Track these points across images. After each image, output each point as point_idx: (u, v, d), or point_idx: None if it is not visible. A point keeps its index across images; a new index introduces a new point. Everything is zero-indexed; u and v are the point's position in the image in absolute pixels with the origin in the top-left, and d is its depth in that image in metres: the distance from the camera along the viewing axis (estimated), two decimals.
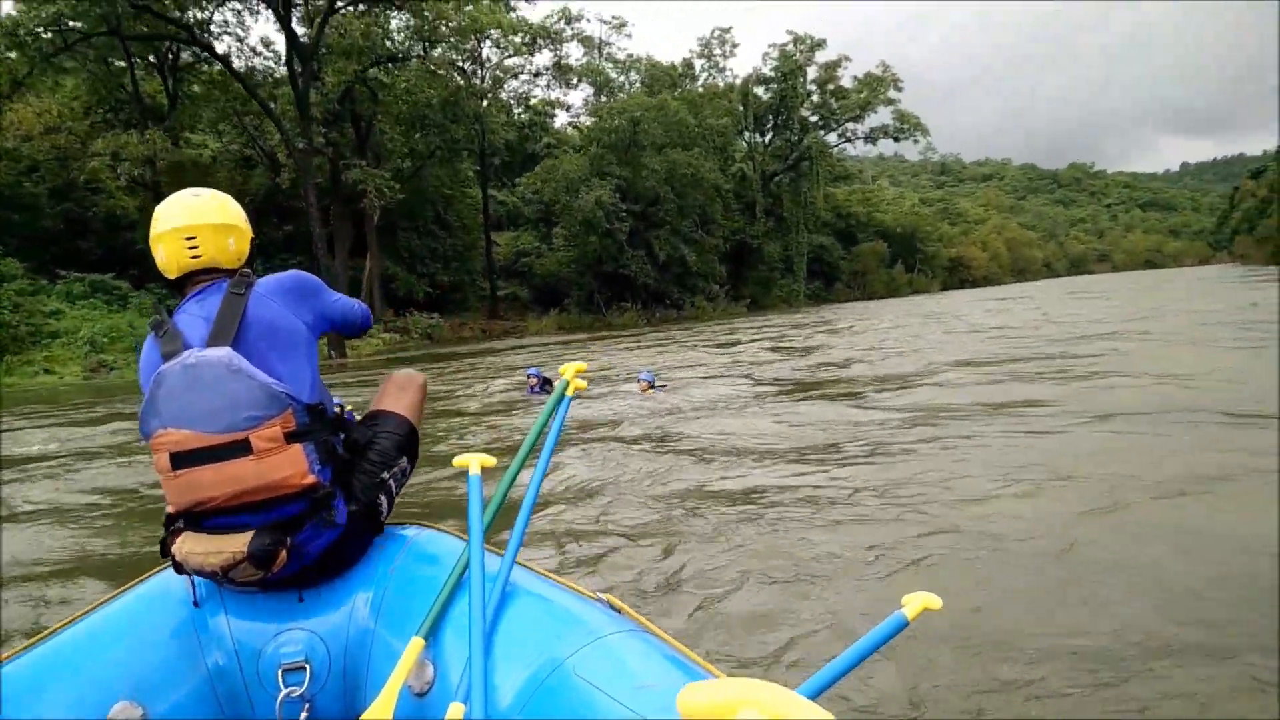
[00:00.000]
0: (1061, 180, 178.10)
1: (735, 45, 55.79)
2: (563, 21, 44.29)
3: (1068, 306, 27.22)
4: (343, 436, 2.03)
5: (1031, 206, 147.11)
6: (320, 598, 1.94)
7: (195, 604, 1.88)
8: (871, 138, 58.73)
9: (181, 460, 1.77)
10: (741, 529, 4.59)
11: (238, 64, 35.71)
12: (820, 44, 56.57)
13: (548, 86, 47.28)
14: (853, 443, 6.93)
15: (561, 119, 55.14)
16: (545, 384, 12.48)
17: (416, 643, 1.65)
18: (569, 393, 2.31)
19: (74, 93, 35.21)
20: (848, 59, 57.75)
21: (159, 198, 24.78)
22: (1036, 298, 37.43)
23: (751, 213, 55.63)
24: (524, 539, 1.92)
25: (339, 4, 31.45)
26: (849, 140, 60.24)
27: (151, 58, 35.21)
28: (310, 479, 1.84)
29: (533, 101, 51.11)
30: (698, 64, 55.74)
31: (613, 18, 52.09)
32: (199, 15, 31.02)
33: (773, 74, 56.71)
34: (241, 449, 1.77)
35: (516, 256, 47.81)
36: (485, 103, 43.73)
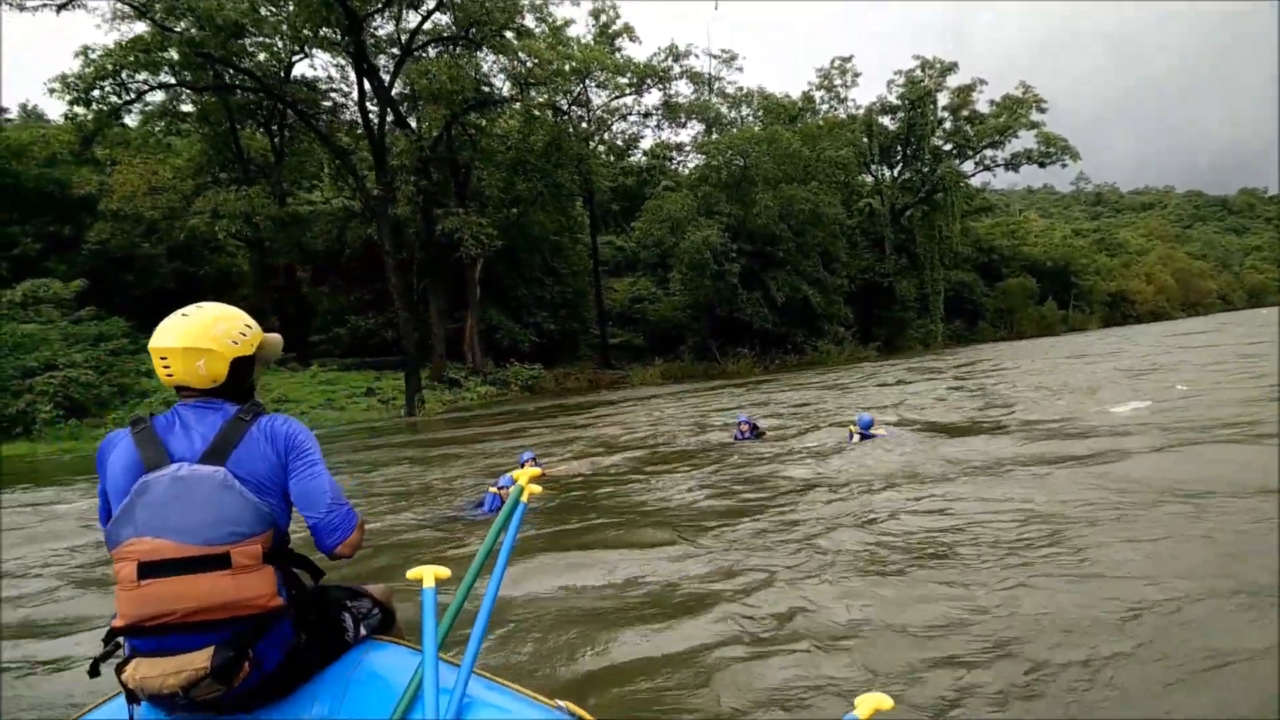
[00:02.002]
0: (1232, 207, 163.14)
1: (857, 75, 52.74)
2: (670, 59, 42.56)
3: None
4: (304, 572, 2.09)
5: (1200, 235, 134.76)
6: (274, 718, 1.89)
7: None
8: (1013, 164, 54.05)
9: (150, 570, 1.81)
10: (696, 620, 4.46)
11: (345, 119, 35.62)
12: (951, 68, 52.69)
13: (658, 126, 45.55)
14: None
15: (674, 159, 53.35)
16: (755, 430, 11.98)
17: None
18: (524, 499, 2.37)
19: (188, 154, 35.93)
20: (983, 82, 53.62)
21: (264, 253, 24.65)
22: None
23: (881, 250, 51.89)
24: (481, 647, 1.92)
25: (415, 47, 30.61)
26: (988, 168, 55.75)
27: (262, 116, 35.67)
28: (278, 600, 1.90)
29: (647, 144, 49.70)
30: (817, 95, 52.84)
31: (722, 51, 50.07)
32: (276, 66, 30.75)
33: (899, 102, 53.12)
34: (219, 562, 1.83)
35: (631, 302, 45.92)
36: (593, 145, 42.36)
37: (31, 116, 54.61)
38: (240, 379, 2.15)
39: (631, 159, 52.74)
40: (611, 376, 37.58)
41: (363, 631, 2.18)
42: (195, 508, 1.84)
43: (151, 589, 1.80)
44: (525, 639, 4.45)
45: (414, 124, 34.38)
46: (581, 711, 1.86)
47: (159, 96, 32.17)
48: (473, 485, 10.05)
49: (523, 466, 8.71)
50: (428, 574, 2.10)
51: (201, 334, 2.08)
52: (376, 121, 28.99)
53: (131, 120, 34.58)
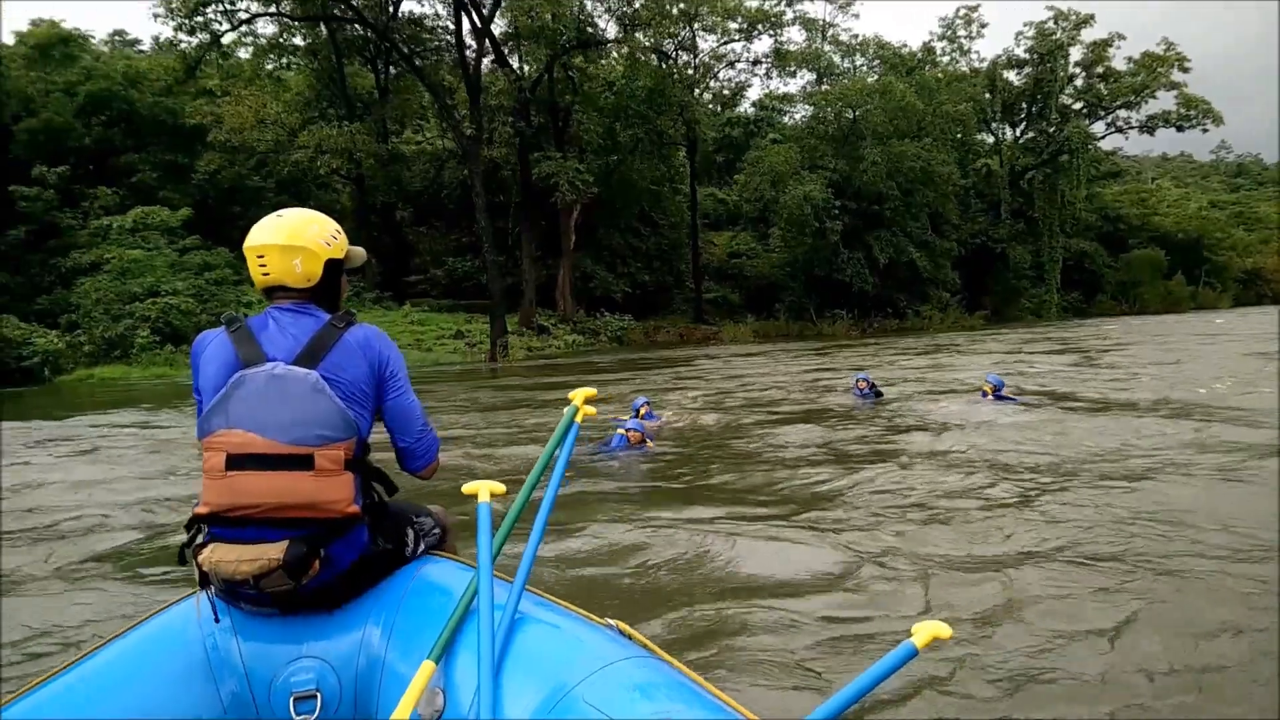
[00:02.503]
0: None
1: (983, 25, 49.52)
2: (784, 3, 40.75)
3: None
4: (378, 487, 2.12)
5: None
6: (332, 624, 1.95)
7: (216, 619, 1.91)
8: (1149, 126, 50.04)
9: (237, 462, 1.86)
10: (763, 554, 4.47)
11: (450, 58, 35.39)
12: (1088, 20, 48.98)
13: (767, 75, 43.77)
14: None
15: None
16: (874, 389, 11.74)
17: (427, 666, 1.65)
18: (578, 419, 2.35)
19: (297, 89, 36.37)
20: (1121, 37, 49.71)
21: (363, 190, 24.76)
22: None
23: (996, 213, 49.17)
24: (534, 565, 1.93)
25: None
26: (1120, 130, 51.80)
27: (369, 53, 35.73)
28: (354, 508, 1.95)
29: (755, 94, 48.00)
30: (939, 46, 49.94)
31: None
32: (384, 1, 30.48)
33: (1027, 55, 49.72)
34: (304, 463, 1.87)
35: (730, 257, 44.90)
36: (698, 92, 41.10)
37: (163, 48, 56.39)
38: (332, 281, 2.18)
39: (738, 110, 51.15)
40: (703, 332, 36.84)
41: (422, 546, 2.23)
42: (286, 407, 1.87)
43: (237, 480, 1.85)
44: (581, 563, 4.46)
45: (515, 64, 33.89)
46: (632, 630, 1.84)
47: (269, 30, 32.59)
48: (593, 426, 9.89)
49: (636, 413, 9.32)
50: (483, 489, 2.11)
51: (298, 233, 2.11)
52: (473, 58, 28.54)
53: (244, 54, 35.24)
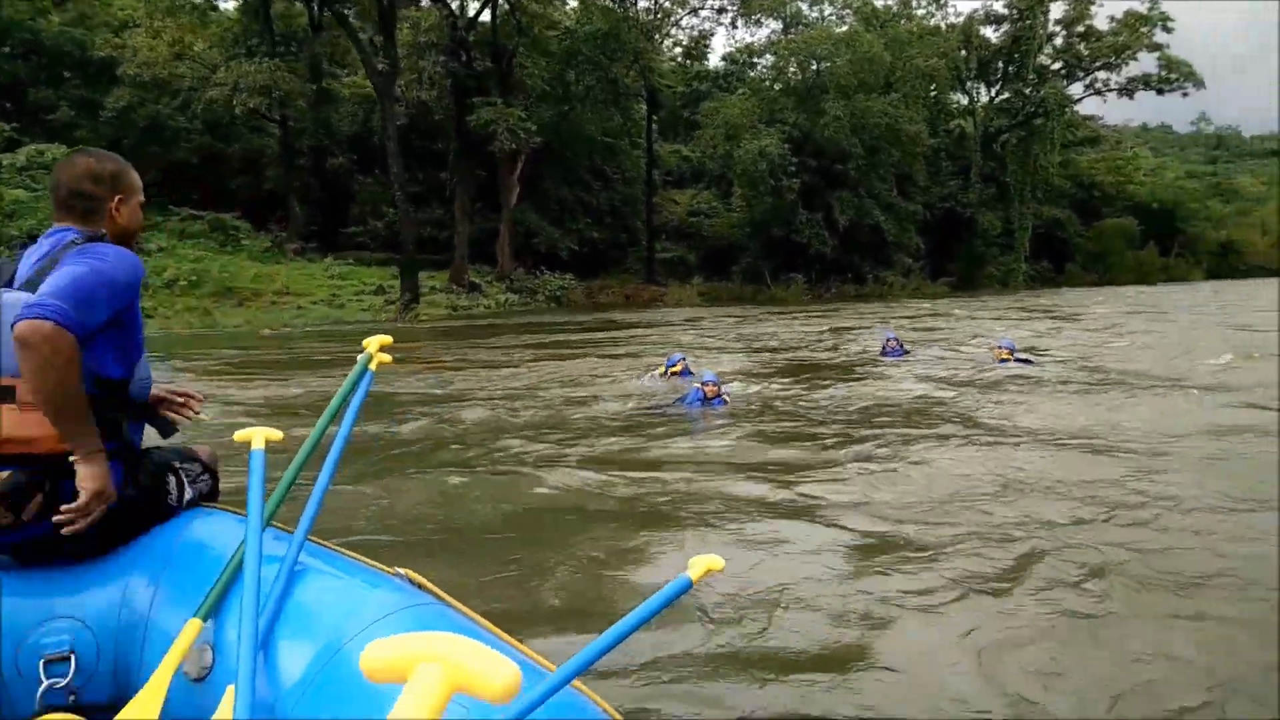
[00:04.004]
0: None
1: None
2: None
3: None
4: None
5: None
6: (87, 580, 1.85)
7: None
8: (1128, 89, 48.32)
9: None
10: (588, 517, 4.51)
11: None
12: None
13: (732, 24, 41.58)
14: None
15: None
16: (902, 347, 12.33)
17: (193, 625, 1.60)
18: (372, 367, 2.20)
19: (225, 24, 33.89)
20: None
21: (286, 132, 22.53)
22: None
23: (966, 177, 47.42)
24: (318, 516, 1.85)
25: None
26: (1099, 92, 50.09)
27: None
28: (61, 446, 1.77)
29: (720, 46, 45.88)
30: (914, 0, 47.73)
31: None
32: None
33: (1006, 10, 47.61)
34: (7, 395, 1.75)
35: (689, 216, 43.05)
36: (657, 39, 38.93)
37: None
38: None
39: (707, 64, 48.98)
40: (650, 293, 35.04)
41: (189, 495, 2.04)
42: (6, 335, 1.73)
43: None
44: (384, 515, 4.34)
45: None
46: (422, 579, 1.74)
47: None
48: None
49: (670, 367, 9.83)
50: (257, 436, 1.92)
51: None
52: None
53: None
